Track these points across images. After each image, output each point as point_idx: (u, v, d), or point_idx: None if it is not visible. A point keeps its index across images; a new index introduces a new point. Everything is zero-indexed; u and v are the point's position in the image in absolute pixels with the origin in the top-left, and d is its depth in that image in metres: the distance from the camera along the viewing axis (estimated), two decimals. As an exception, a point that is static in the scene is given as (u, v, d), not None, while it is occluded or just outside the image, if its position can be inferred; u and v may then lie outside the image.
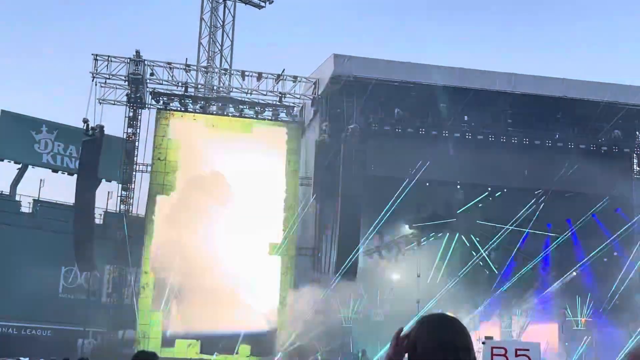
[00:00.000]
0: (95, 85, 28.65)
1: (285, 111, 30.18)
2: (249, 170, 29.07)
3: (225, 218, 28.37)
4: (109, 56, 28.80)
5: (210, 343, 27.17)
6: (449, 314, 2.98)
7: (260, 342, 27.92)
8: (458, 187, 31.80)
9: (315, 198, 29.08)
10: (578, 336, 30.87)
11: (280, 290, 28.62)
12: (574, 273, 33.11)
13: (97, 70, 28.66)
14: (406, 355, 2.86)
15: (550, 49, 69.93)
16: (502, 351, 5.36)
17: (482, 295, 32.55)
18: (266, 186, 29.12)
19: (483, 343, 5.37)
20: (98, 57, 28.70)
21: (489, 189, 32.00)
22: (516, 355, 5.37)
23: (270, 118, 30.04)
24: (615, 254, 31.75)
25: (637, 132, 31.67)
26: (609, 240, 30.50)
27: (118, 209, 29.35)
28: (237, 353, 27.36)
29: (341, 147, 27.69)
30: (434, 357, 2.71)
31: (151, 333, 27.15)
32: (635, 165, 31.55)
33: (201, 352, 26.63)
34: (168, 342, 26.95)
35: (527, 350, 5.47)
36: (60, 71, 63.13)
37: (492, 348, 5.42)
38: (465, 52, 65.59)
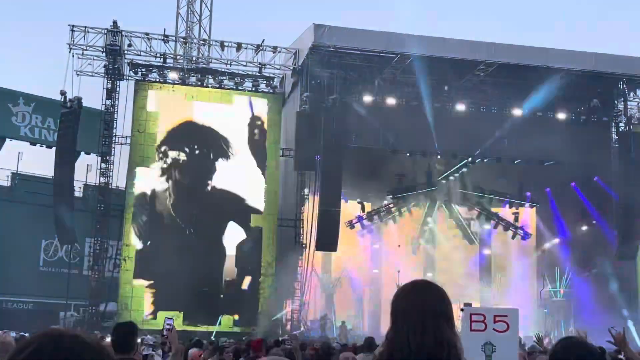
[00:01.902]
0: (72, 56, 28.32)
1: (265, 82, 30.04)
2: (229, 142, 29.03)
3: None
4: (85, 27, 28.42)
5: (193, 314, 27.26)
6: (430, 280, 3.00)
7: (244, 313, 28.05)
8: (438, 157, 31.93)
9: (296, 169, 29.08)
10: (556, 305, 31.30)
11: (263, 261, 28.71)
12: (553, 242, 33.54)
13: (73, 41, 28.29)
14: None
15: (530, 19, 69.89)
16: (481, 317, 5.39)
17: (463, 263, 32.90)
18: (247, 158, 29.11)
19: (462, 310, 5.41)
20: (75, 28, 28.32)
21: (469, 158, 32.19)
22: (494, 322, 5.41)
23: (250, 89, 29.89)
24: (593, 222, 32.13)
25: (616, 101, 31.87)
26: None
27: (98, 182, 29.17)
28: (220, 324, 27.48)
29: (322, 117, 27.64)
30: (414, 322, 2.73)
31: (133, 305, 27.19)
32: (613, 134, 31.79)
33: (184, 324, 26.69)
34: (150, 313, 27.01)
35: (506, 316, 5.51)
36: (37, 42, 62.23)
37: (471, 315, 5.45)
38: (446, 21, 65.40)
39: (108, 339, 7.85)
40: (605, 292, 30.54)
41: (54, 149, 28.82)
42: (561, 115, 30.76)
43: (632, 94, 32.06)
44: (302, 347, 13.16)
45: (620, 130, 31.46)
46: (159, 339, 13.96)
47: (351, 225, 31.98)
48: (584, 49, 30.53)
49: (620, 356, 11.80)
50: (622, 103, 31.69)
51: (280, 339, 17.53)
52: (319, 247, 28.26)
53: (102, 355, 1.60)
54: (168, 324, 6.84)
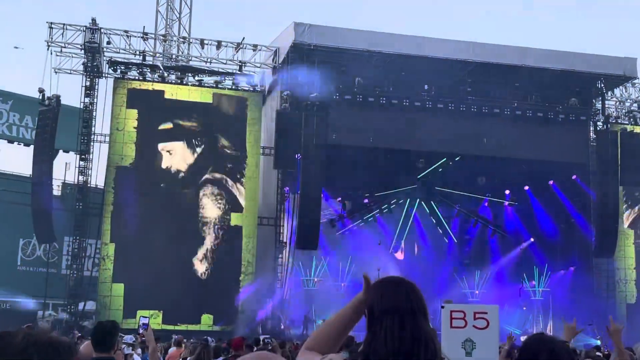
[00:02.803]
0: (51, 54, 28.09)
1: (245, 80, 29.95)
2: (209, 140, 28.93)
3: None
4: (64, 24, 28.19)
5: (172, 313, 27.15)
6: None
7: (223, 312, 27.97)
8: (419, 155, 32.01)
9: (276, 167, 29.04)
10: (536, 303, 31.49)
11: (243, 259, 28.64)
12: (532, 239, 33.76)
13: (52, 38, 28.05)
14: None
15: (508, 17, 70.34)
16: (461, 314, 5.43)
17: (443, 261, 33.03)
18: (227, 156, 29.03)
19: (442, 307, 5.44)
20: (53, 25, 28.08)
21: (449, 157, 32.29)
22: (475, 319, 5.45)
23: (230, 87, 29.80)
24: (572, 220, 32.38)
25: (594, 100, 32.15)
26: None
27: (76, 180, 28.95)
28: (199, 323, 27.40)
29: (302, 116, 27.63)
30: (392, 320, 2.72)
31: (112, 304, 27.02)
32: (591, 133, 32.06)
33: (164, 323, 26.59)
34: (129, 313, 26.85)
35: (486, 313, 5.55)
36: (15, 40, 61.69)
37: (451, 312, 5.48)
38: (425, 20, 65.69)
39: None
40: (584, 289, 30.81)
41: (32, 147, 28.59)
42: (540, 114, 30.96)
43: (609, 93, 32.35)
44: (282, 345, 13.17)
45: (598, 129, 31.74)
46: (138, 338, 13.89)
47: (332, 223, 31.99)
48: (562, 48, 30.77)
49: (597, 353, 11.91)
50: (600, 102, 31.96)
51: (260, 337, 17.49)
52: (300, 245, 28.24)
53: (52, 351, 1.58)
54: (144, 323, 6.83)
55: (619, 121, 32.29)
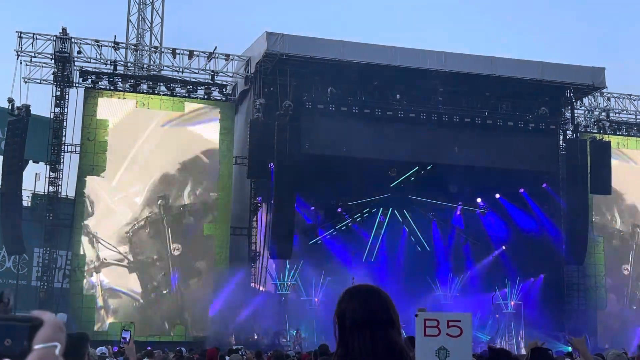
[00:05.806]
0: (20, 63, 27.81)
1: (217, 89, 29.90)
2: (181, 150, 28.81)
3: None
4: (34, 33, 27.94)
5: (145, 324, 26.93)
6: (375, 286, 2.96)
7: (196, 322, 27.82)
8: (391, 164, 32.14)
9: (250, 177, 28.99)
10: (508, 313, 31.64)
11: (215, 269, 28.49)
12: (504, 247, 34.01)
13: (21, 48, 27.78)
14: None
15: (479, 27, 70.98)
16: (435, 323, 5.45)
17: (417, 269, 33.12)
18: (200, 166, 28.93)
19: (416, 315, 5.47)
20: (22, 35, 27.82)
21: (422, 165, 32.47)
22: (448, 327, 5.48)
23: (202, 97, 29.71)
24: (542, 227, 32.68)
25: (563, 109, 32.56)
26: None
27: (46, 191, 28.64)
28: (172, 334, 27.20)
29: (275, 125, 27.64)
30: (364, 331, 2.70)
31: (84, 316, 26.75)
32: (561, 142, 32.45)
33: (136, 334, 26.34)
34: (101, 324, 26.61)
35: (459, 321, 5.58)
36: (-17, 49, 60.82)
37: (425, 320, 5.51)
38: (397, 30, 66.08)
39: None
40: (554, 296, 31.10)
41: (1, 157, 28.25)
42: (510, 123, 31.28)
43: (578, 102, 32.79)
44: (258, 355, 13.14)
45: (568, 137, 32.13)
46: (109, 349, 13.77)
47: (305, 232, 31.97)
48: (531, 58, 31.18)
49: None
50: (569, 111, 32.38)
51: (233, 348, 17.43)
52: (273, 255, 28.22)
53: None
54: (124, 337, 6.76)
55: (588, 130, 32.74)
